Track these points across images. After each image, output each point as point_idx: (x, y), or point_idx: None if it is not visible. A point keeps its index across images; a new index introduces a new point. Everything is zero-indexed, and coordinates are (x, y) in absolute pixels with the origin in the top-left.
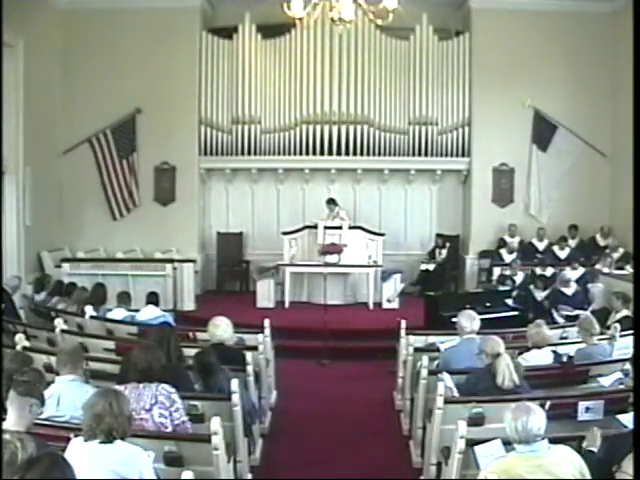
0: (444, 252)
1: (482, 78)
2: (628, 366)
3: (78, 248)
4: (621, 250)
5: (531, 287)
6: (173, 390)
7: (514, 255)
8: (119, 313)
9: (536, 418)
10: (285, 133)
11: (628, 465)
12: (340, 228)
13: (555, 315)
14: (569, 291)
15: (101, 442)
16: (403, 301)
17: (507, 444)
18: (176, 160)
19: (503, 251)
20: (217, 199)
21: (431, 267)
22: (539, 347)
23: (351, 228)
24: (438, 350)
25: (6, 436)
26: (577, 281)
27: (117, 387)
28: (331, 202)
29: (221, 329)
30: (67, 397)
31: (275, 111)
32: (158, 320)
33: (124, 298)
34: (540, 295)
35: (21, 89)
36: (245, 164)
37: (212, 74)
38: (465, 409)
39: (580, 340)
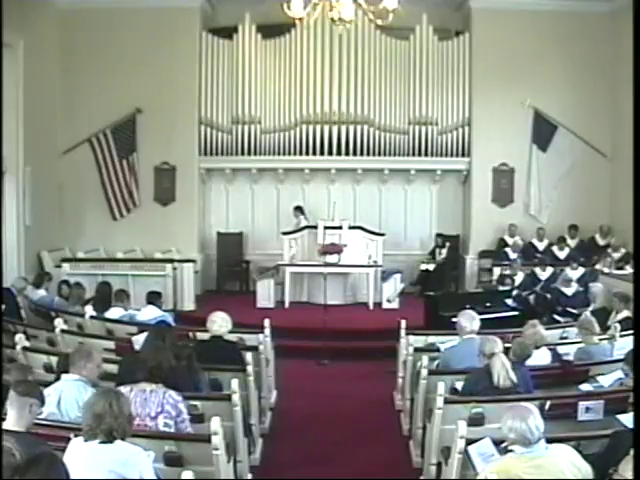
0: (444, 252)
1: (482, 78)
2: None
3: (78, 248)
4: (623, 250)
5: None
6: (180, 399)
7: (517, 254)
8: (116, 312)
9: (537, 418)
10: (285, 133)
11: (625, 468)
12: (340, 228)
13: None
14: (569, 291)
15: (101, 442)
16: (403, 301)
17: (497, 444)
18: (176, 160)
19: (508, 250)
20: (217, 199)
21: (431, 267)
22: (537, 347)
23: (351, 228)
24: (438, 350)
25: None
26: (577, 281)
27: (122, 388)
28: (297, 209)
29: (217, 324)
30: (67, 397)
31: (275, 111)
32: (157, 320)
33: (121, 296)
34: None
35: (21, 89)
36: (245, 164)
37: (212, 74)
38: (465, 409)
39: (580, 340)
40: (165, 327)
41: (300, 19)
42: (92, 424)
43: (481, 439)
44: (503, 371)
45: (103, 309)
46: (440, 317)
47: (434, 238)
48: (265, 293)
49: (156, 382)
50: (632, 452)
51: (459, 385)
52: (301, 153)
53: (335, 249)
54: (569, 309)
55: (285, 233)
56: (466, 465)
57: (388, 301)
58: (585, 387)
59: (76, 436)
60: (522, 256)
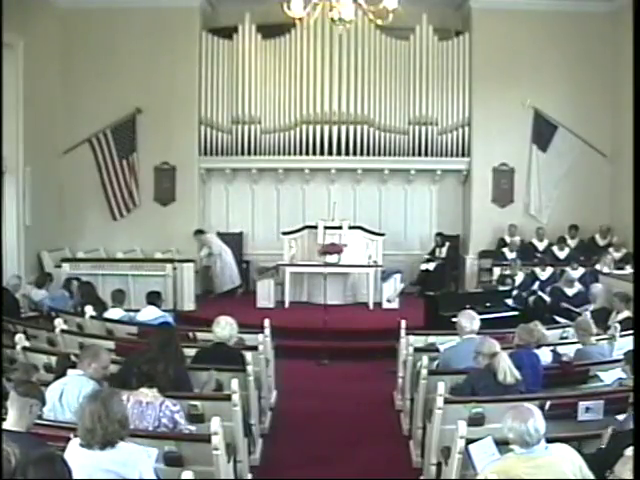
0: (444, 250)
1: (482, 78)
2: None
3: (78, 248)
4: (623, 250)
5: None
6: (176, 409)
7: (515, 253)
8: (116, 313)
9: (537, 420)
10: (285, 133)
11: (621, 470)
12: (340, 228)
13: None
14: (571, 292)
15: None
16: (403, 301)
17: (499, 444)
18: (176, 160)
19: (506, 250)
20: (217, 199)
21: (431, 267)
22: (538, 346)
23: (351, 228)
24: (438, 350)
25: None
26: (577, 281)
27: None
28: (198, 233)
29: (220, 327)
30: (70, 390)
31: (275, 111)
32: (158, 321)
33: (119, 297)
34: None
35: (21, 89)
36: (245, 164)
37: (212, 74)
38: (465, 409)
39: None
40: (170, 329)
41: (300, 19)
42: (86, 435)
43: (482, 438)
44: (507, 369)
45: (102, 309)
46: (440, 317)
47: (434, 238)
48: (265, 293)
49: (152, 386)
50: (627, 452)
51: None
52: (301, 153)
53: (335, 249)
54: (571, 308)
55: (285, 233)
56: (466, 465)
57: (388, 301)
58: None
59: (76, 436)
60: (520, 255)
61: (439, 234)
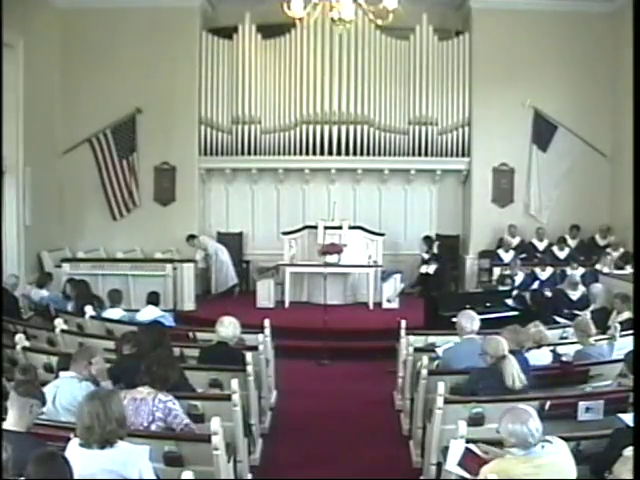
0: (435, 250)
1: (482, 78)
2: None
3: (78, 248)
4: (621, 249)
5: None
6: (168, 398)
7: (511, 253)
8: (115, 313)
9: (536, 420)
10: (285, 133)
11: (620, 469)
12: (340, 228)
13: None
14: (575, 295)
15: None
16: (403, 301)
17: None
18: (176, 160)
19: (500, 250)
20: (217, 199)
21: (431, 270)
22: (539, 346)
23: (351, 228)
24: (435, 352)
25: None
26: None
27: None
28: (190, 238)
29: (223, 326)
30: (62, 392)
31: (275, 111)
32: (152, 320)
33: (115, 296)
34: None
35: (21, 89)
36: (245, 164)
37: (212, 74)
38: (465, 409)
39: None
40: (160, 327)
41: (300, 19)
42: (84, 434)
43: (486, 441)
44: (515, 373)
45: (100, 306)
46: (440, 317)
47: (425, 242)
48: (265, 293)
49: (146, 384)
50: (626, 453)
51: None
52: (301, 153)
53: (335, 249)
54: (575, 311)
55: (285, 233)
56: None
57: (388, 301)
58: None
59: (76, 436)
60: (516, 255)
61: (426, 237)
